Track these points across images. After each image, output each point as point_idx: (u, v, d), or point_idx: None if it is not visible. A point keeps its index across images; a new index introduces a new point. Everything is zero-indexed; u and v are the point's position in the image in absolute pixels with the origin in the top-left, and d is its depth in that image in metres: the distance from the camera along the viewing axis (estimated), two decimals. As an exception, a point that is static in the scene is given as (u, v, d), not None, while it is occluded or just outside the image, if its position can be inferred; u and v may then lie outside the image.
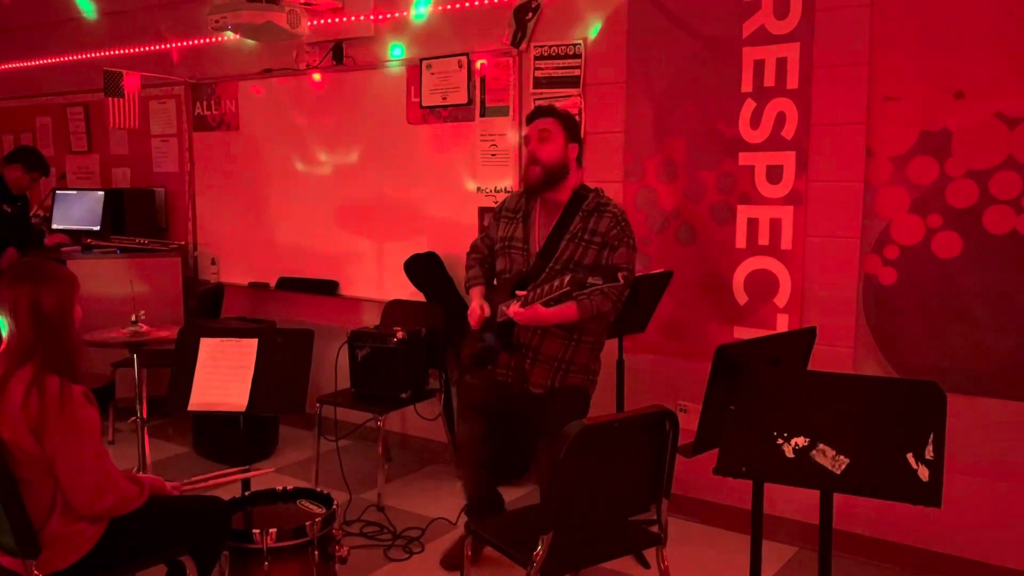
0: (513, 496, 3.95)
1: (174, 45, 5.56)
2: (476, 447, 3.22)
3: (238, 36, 4.91)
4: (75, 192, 5.90)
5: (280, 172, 5.17)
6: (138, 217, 5.68)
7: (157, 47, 5.65)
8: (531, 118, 3.11)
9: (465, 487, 3.34)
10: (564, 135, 3.04)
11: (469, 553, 2.74)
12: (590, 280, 2.56)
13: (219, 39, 5.25)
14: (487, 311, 3.04)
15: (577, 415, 2.99)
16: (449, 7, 4.36)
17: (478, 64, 4.27)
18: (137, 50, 5.73)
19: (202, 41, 5.41)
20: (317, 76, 4.88)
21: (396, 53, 4.57)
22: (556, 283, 2.74)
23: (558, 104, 4.03)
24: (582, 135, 3.98)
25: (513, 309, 2.83)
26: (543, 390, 3.03)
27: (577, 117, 3.98)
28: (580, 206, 3.01)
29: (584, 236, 2.97)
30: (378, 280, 4.79)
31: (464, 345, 3.26)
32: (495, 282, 3.17)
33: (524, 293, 2.86)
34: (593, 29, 3.93)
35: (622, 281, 2.63)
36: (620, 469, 2.36)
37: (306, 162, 5.04)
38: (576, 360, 3.03)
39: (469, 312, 3.09)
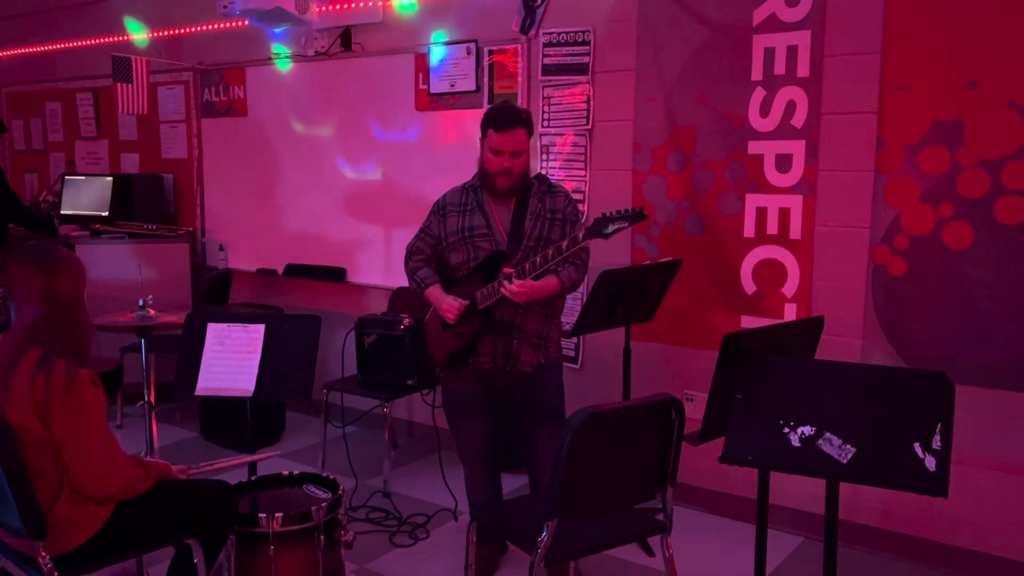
0: (515, 484, 3.95)
1: (182, 30, 5.56)
2: (480, 451, 3.22)
3: (247, 22, 4.91)
4: (84, 177, 5.91)
5: (288, 158, 5.17)
6: (146, 203, 5.69)
7: (166, 33, 5.64)
8: (504, 125, 2.95)
9: (472, 490, 3.29)
10: (528, 141, 3.03)
11: (474, 539, 2.75)
12: (611, 227, 2.76)
13: (227, 25, 5.25)
14: (463, 302, 3.03)
15: (562, 389, 3.16)
16: (458, -7, 4.34)
17: (487, 51, 4.26)
18: (145, 36, 5.73)
19: (211, 27, 5.40)
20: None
21: (404, 39, 4.56)
22: (541, 258, 2.85)
23: (567, 93, 4.02)
24: (590, 124, 3.98)
25: (516, 285, 2.84)
26: (531, 367, 3.07)
27: (586, 105, 3.98)
28: (531, 189, 3.06)
29: (547, 215, 3.05)
30: (385, 267, 4.79)
31: (433, 347, 3.19)
32: (453, 274, 3.11)
33: (511, 271, 2.87)
34: (602, 16, 3.91)
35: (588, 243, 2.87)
36: (626, 457, 2.35)
37: (314, 149, 5.04)
38: (551, 336, 3.11)
39: (444, 308, 3.02)
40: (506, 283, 2.86)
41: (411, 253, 3.20)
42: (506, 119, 2.97)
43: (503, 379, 3.10)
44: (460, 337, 3.07)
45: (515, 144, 2.97)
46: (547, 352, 3.10)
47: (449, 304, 3.02)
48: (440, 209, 3.15)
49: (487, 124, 3.01)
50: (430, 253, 3.17)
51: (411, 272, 3.18)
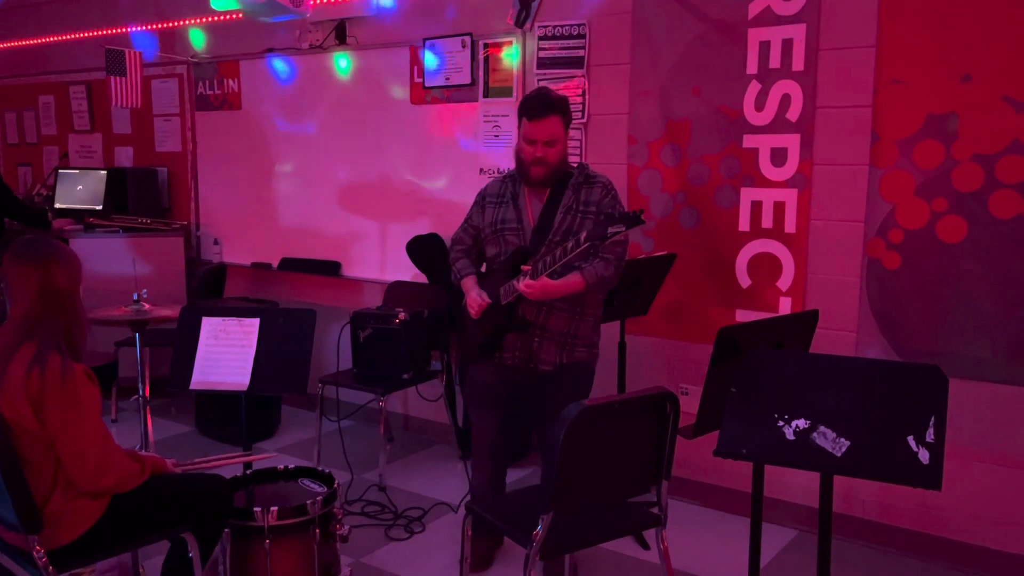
0: (514, 477, 3.96)
1: (176, 23, 5.53)
2: (492, 441, 3.20)
3: (241, 14, 4.88)
4: (77, 171, 5.89)
5: (283, 152, 5.16)
6: (141, 197, 5.67)
7: (159, 25, 5.62)
8: (535, 113, 2.91)
9: (475, 479, 3.28)
10: (565, 130, 2.99)
11: (470, 532, 2.75)
12: (610, 230, 2.65)
13: (222, 17, 5.22)
14: (487, 298, 3.02)
15: (584, 390, 3.06)
16: (453, -14, 4.33)
17: (482, 44, 4.24)
18: (139, 28, 5.71)
19: (205, 19, 5.38)
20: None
21: (399, 32, 4.55)
22: (560, 251, 2.80)
23: (561, 86, 4.01)
24: (586, 118, 3.98)
25: (524, 283, 2.82)
26: (552, 367, 3.02)
27: (581, 99, 3.98)
28: (568, 180, 3.01)
29: (579, 208, 2.98)
30: (380, 261, 4.79)
31: (464, 338, 3.19)
32: (487, 268, 3.11)
33: (528, 268, 2.85)
34: (597, 9, 3.90)
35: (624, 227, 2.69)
36: (621, 450, 2.36)
37: (308, 142, 5.03)
38: (580, 335, 3.03)
39: (468, 302, 3.03)
40: (522, 280, 2.84)
41: (453, 243, 3.21)
42: (538, 107, 2.92)
43: (523, 376, 3.07)
44: (484, 331, 3.07)
45: (548, 132, 2.92)
46: (573, 351, 3.02)
47: (472, 299, 3.02)
48: (481, 199, 3.15)
49: (521, 112, 2.98)
50: (471, 244, 3.17)
51: (452, 263, 3.20)
